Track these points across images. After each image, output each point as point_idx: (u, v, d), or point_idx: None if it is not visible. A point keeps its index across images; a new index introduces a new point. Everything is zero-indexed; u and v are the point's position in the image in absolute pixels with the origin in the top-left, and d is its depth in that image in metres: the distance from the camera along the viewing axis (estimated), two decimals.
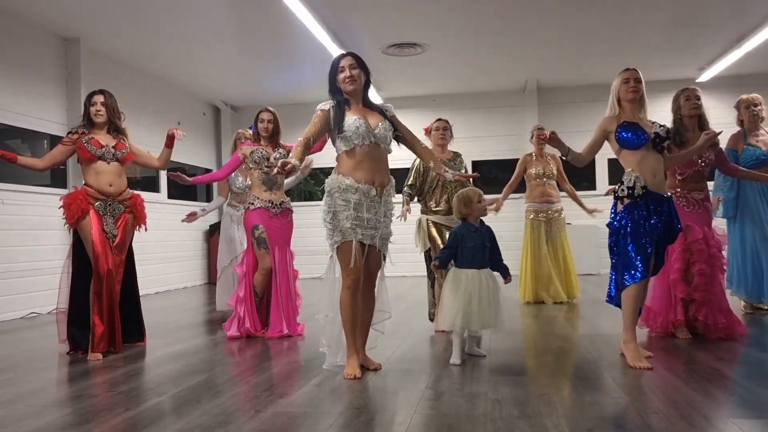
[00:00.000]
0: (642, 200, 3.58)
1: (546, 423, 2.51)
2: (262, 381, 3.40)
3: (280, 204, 4.90)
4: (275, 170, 3.16)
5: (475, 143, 9.98)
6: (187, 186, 5.68)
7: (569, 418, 2.57)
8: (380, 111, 3.59)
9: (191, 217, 5.82)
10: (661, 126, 3.72)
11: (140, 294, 4.63)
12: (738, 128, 5.27)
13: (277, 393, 3.12)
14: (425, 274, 5.08)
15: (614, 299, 3.71)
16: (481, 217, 3.92)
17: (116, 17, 6.64)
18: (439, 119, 5.15)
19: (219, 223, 8.82)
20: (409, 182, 5.04)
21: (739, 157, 5.09)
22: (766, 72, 9.31)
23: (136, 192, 4.56)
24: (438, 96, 10.42)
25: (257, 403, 2.92)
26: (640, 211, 3.58)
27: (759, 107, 5.15)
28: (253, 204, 4.85)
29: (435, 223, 4.91)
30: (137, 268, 4.57)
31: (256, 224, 4.81)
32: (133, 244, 4.52)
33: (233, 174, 5.65)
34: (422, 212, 5.03)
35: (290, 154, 3.42)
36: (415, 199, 5.07)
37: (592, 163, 10.00)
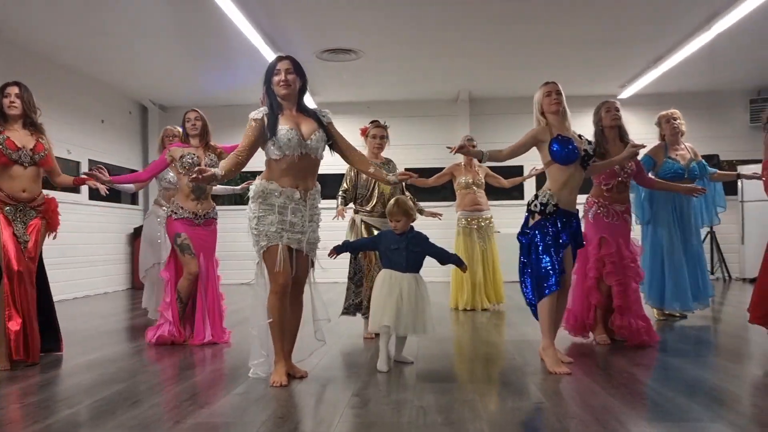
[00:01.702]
0: (552, 217, 3.73)
1: (469, 429, 2.55)
2: (184, 390, 3.29)
3: (205, 215, 4.78)
4: (192, 175, 3.14)
5: (407, 150, 10.05)
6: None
7: (492, 424, 2.62)
8: (316, 117, 3.54)
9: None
10: (589, 143, 3.87)
11: (57, 299, 4.39)
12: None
13: (199, 402, 3.02)
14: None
15: (533, 304, 3.83)
16: (411, 223, 3.95)
17: (36, 7, 6.30)
18: (377, 125, 5.03)
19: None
20: (343, 187, 5.02)
21: (657, 167, 5.35)
22: (680, 91, 9.85)
23: (50, 196, 4.30)
24: (372, 102, 10.45)
25: (177, 413, 2.82)
26: (550, 227, 3.72)
27: (678, 121, 5.43)
28: (175, 213, 4.72)
29: (368, 224, 4.91)
30: (56, 271, 4.34)
31: (178, 232, 4.68)
32: (52, 247, 4.28)
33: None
34: (356, 212, 5.03)
35: (220, 164, 3.39)
36: (349, 204, 5.07)
37: (521, 174, 10.28)
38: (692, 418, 2.70)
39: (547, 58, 8.24)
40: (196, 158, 4.68)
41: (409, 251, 3.81)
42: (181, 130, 4.98)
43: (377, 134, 4.99)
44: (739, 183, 9.12)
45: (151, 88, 9.76)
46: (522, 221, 3.92)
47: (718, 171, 5.75)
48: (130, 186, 5.52)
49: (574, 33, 7.34)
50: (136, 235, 9.59)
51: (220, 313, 4.80)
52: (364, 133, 5.07)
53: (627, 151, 4.08)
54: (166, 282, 4.78)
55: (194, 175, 3.16)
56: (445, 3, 6.43)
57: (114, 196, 9.57)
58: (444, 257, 3.94)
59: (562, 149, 3.73)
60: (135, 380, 3.58)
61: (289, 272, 3.37)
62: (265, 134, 3.42)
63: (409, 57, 8.27)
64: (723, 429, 2.51)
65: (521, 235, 3.87)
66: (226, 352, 4.43)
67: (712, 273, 9.84)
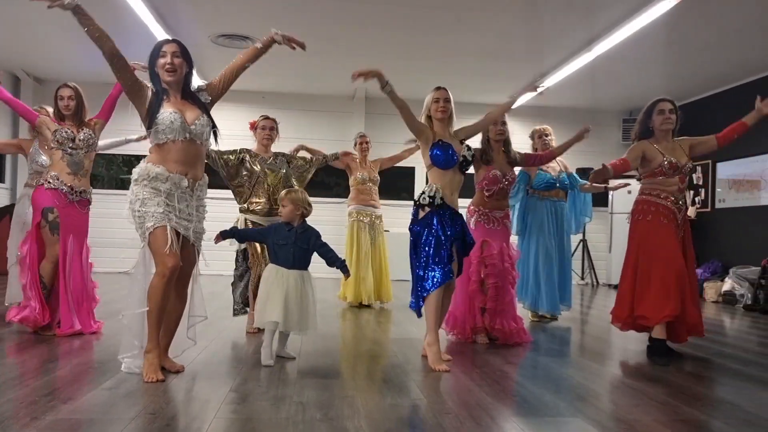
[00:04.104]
0: (441, 210, 3.82)
1: (347, 425, 2.55)
2: (44, 384, 3.05)
3: (81, 192, 4.47)
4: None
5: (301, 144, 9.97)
6: None
7: (370, 421, 2.64)
8: (200, 103, 3.43)
9: None
10: (468, 149, 4.00)
11: None
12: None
13: (61, 398, 2.81)
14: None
15: (415, 305, 3.90)
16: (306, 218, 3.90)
17: None
18: (266, 117, 4.99)
19: (10, 206, 7.86)
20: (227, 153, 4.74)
21: (531, 180, 5.68)
22: (563, 107, 10.48)
23: None
24: (267, 93, 10.26)
25: (35, 409, 2.61)
26: (438, 221, 3.81)
27: (549, 137, 5.82)
28: (50, 182, 4.36)
29: (254, 223, 4.78)
30: None
31: (50, 206, 4.32)
32: None
33: (35, 150, 5.01)
34: (241, 211, 4.87)
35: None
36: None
37: (412, 175, 10.53)
38: (556, 413, 2.86)
39: (442, 66, 8.50)
40: (70, 133, 4.37)
41: (297, 247, 3.76)
42: (51, 110, 4.62)
43: (266, 125, 4.90)
44: (610, 195, 9.82)
45: (25, 57, 8.98)
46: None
47: (589, 183, 6.16)
48: None
49: (467, 45, 7.63)
50: (0, 215, 8.80)
51: (89, 301, 4.49)
52: (254, 126, 4.98)
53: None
54: (23, 259, 4.37)
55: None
56: (346, 0, 6.42)
57: None
58: (331, 260, 3.84)
59: (443, 154, 3.86)
60: None
61: (178, 255, 3.22)
62: (143, 100, 3.28)
63: (307, 51, 8.13)
64: (582, 424, 2.69)
65: (413, 224, 3.92)
66: (95, 344, 4.17)
67: (582, 278, 10.55)
